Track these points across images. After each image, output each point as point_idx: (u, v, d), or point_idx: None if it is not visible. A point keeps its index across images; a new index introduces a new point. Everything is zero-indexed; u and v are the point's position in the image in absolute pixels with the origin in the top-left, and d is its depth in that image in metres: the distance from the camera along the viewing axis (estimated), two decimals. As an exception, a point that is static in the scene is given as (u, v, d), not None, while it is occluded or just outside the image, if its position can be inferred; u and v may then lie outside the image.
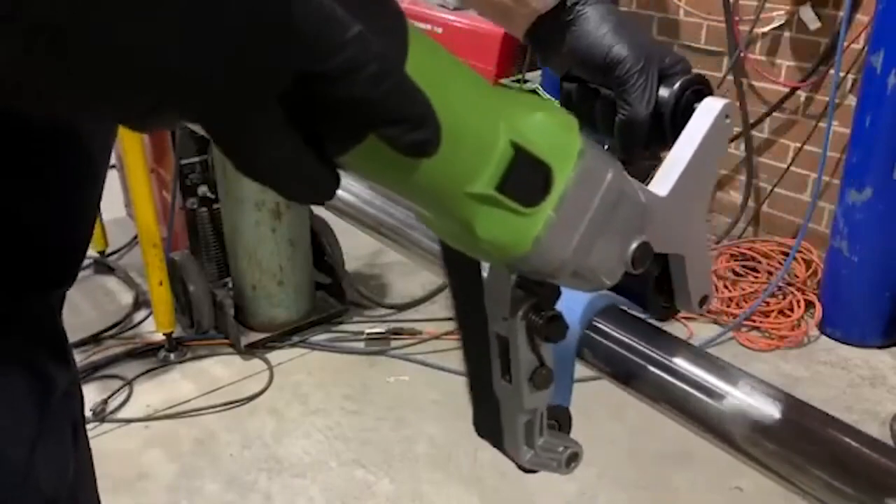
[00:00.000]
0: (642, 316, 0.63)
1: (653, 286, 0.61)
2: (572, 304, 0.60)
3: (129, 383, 2.55)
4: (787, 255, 2.99)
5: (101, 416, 2.40)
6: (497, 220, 0.41)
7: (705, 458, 2.17)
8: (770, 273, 3.04)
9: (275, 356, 2.70)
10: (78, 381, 0.67)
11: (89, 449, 0.74)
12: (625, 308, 0.63)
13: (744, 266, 3.12)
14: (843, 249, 2.71)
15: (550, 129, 0.42)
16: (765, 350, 2.76)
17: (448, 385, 2.56)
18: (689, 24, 3.38)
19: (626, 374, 0.61)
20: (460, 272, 0.53)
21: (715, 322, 2.91)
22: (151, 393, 2.53)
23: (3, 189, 0.53)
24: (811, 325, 2.83)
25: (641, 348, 0.60)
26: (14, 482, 0.55)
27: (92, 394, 2.50)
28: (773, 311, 2.88)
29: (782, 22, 3.07)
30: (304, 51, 0.31)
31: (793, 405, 0.54)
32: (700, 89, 0.61)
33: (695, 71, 0.66)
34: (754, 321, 2.85)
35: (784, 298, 2.92)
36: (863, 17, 2.80)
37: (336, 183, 0.36)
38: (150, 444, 2.32)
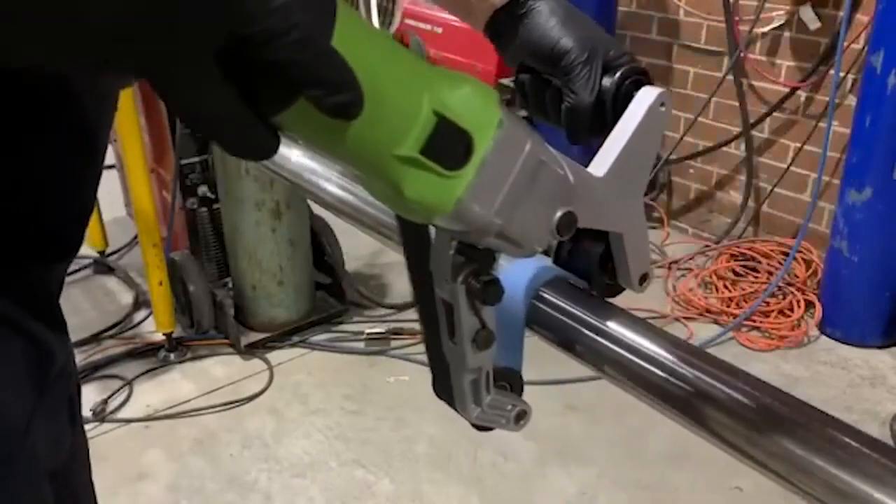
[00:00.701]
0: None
1: (597, 264, 0.65)
2: (520, 275, 0.65)
3: (129, 383, 2.55)
4: (787, 255, 2.99)
5: (101, 416, 2.40)
6: (422, 181, 0.46)
7: (705, 458, 2.17)
8: (770, 273, 3.04)
9: (275, 356, 2.70)
10: (74, 363, 0.68)
11: (85, 436, 0.75)
12: (571, 281, 0.67)
13: (744, 266, 3.12)
14: (843, 249, 2.71)
15: (471, 101, 0.46)
16: (765, 350, 2.76)
17: (448, 385, 2.55)
18: (689, 24, 3.38)
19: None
20: (412, 242, 0.59)
21: (715, 322, 2.91)
22: (151, 393, 2.53)
23: (2, 151, 0.54)
24: (811, 325, 2.83)
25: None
26: (14, 441, 0.56)
27: (92, 394, 2.50)
28: (773, 311, 2.88)
29: (782, 22, 3.07)
30: (234, 14, 0.35)
31: (781, 398, 0.54)
32: (640, 79, 0.64)
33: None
34: (754, 321, 2.85)
35: (784, 298, 2.92)
36: (863, 17, 2.80)
37: (274, 141, 0.40)
38: (150, 444, 2.32)
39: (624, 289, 0.67)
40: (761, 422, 0.54)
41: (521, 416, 0.64)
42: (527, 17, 0.66)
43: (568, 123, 0.65)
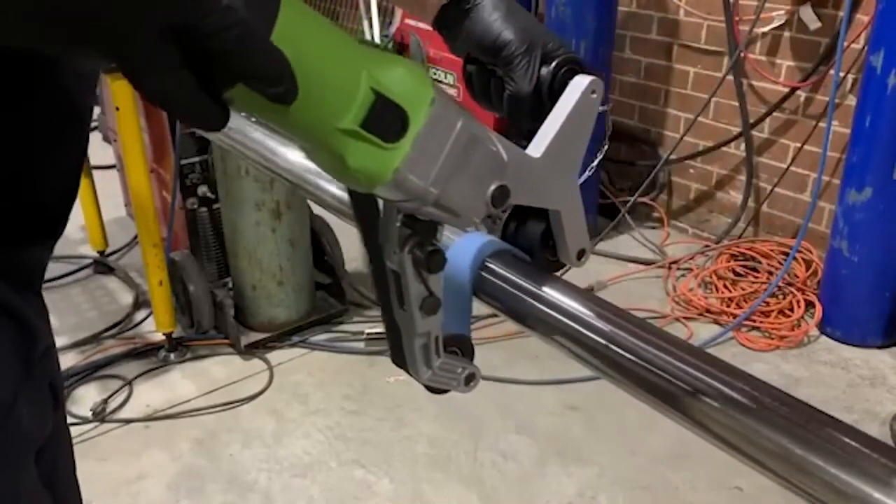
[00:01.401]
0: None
1: (538, 241, 0.71)
2: (468, 247, 0.71)
3: (129, 383, 2.55)
4: (787, 255, 2.99)
5: (101, 416, 2.40)
6: (363, 152, 0.51)
7: (705, 458, 2.18)
8: (770, 273, 3.04)
9: (275, 356, 2.70)
10: (54, 346, 0.71)
11: (68, 430, 0.78)
12: (515, 254, 0.72)
13: (744, 266, 3.12)
14: (843, 249, 2.71)
15: (406, 81, 0.51)
16: (765, 350, 2.76)
17: (448, 385, 2.55)
18: (689, 24, 3.38)
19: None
20: (364, 216, 0.64)
21: (715, 322, 2.91)
22: (151, 393, 2.53)
23: None
24: (811, 325, 2.83)
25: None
26: (0, 413, 0.58)
27: (92, 394, 2.51)
28: (773, 311, 2.88)
29: (782, 22, 3.07)
30: (188, 7, 0.40)
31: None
32: (574, 68, 0.69)
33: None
34: (754, 321, 2.85)
35: (784, 298, 2.92)
36: (863, 17, 2.80)
37: (224, 116, 0.46)
38: (150, 444, 2.32)
39: (565, 265, 0.72)
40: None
41: (471, 379, 0.70)
42: (472, 11, 0.71)
43: (509, 110, 0.70)
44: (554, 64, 0.68)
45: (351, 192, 0.63)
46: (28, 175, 0.63)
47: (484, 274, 0.70)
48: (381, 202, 0.61)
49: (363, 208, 0.63)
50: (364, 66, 0.50)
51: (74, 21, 0.39)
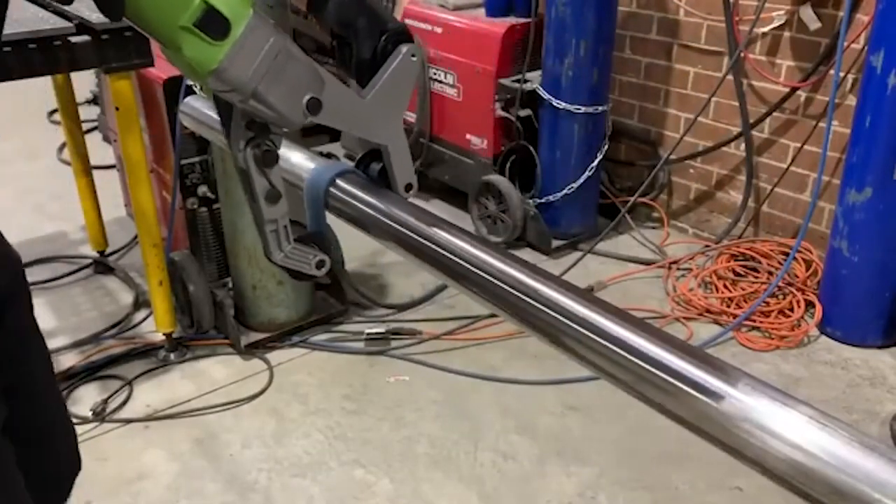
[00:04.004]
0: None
1: (377, 175, 0.94)
2: (325, 169, 0.96)
3: (129, 383, 2.55)
4: (787, 255, 2.99)
5: (101, 416, 2.40)
6: (196, 45, 0.73)
7: (705, 458, 2.18)
8: (770, 273, 3.04)
9: (275, 356, 2.70)
10: (23, 286, 0.84)
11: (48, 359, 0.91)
12: (360, 176, 0.96)
13: (744, 266, 3.12)
14: (843, 249, 2.71)
15: (231, 1, 0.73)
16: (765, 350, 2.76)
17: (448, 385, 2.56)
18: (689, 24, 3.38)
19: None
20: (227, 128, 0.85)
21: (715, 322, 2.91)
22: (151, 393, 2.53)
23: None
24: (811, 325, 2.83)
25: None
26: None
27: (92, 394, 2.51)
28: (773, 311, 2.88)
29: (782, 22, 3.07)
30: None
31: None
32: (401, 39, 0.88)
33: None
34: (754, 321, 2.85)
35: (784, 298, 2.92)
36: (863, 17, 2.80)
37: (119, 7, 0.67)
38: (150, 444, 2.32)
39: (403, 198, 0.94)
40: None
41: (321, 265, 0.92)
42: None
43: (356, 72, 0.90)
44: (384, 36, 0.88)
45: (218, 109, 0.84)
46: None
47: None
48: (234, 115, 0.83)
49: (225, 120, 0.84)
50: None
51: None
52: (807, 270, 3.02)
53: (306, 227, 0.94)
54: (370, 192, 0.92)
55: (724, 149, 3.41)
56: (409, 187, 0.94)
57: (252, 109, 0.79)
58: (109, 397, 2.47)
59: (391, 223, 0.87)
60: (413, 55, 0.88)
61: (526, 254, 3.39)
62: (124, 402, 2.48)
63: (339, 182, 0.94)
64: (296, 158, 1.00)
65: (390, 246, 0.88)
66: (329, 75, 0.83)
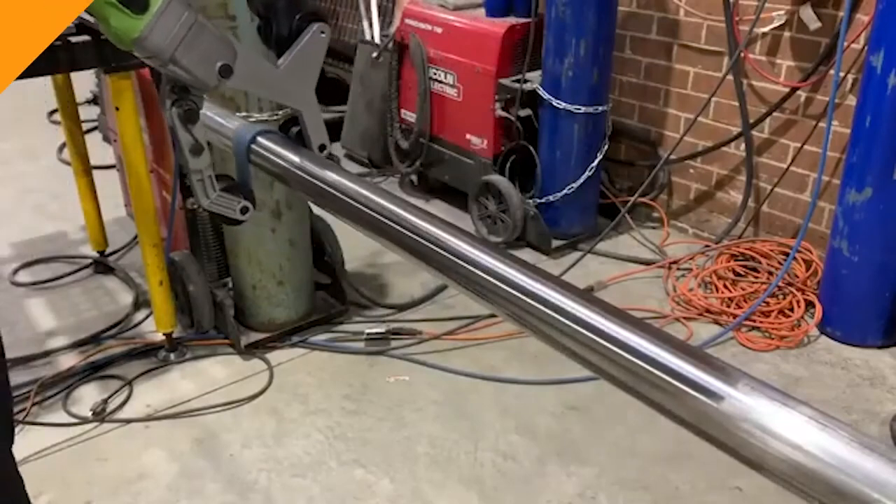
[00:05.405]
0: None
1: (295, 136, 1.12)
2: (250, 128, 1.11)
3: (129, 383, 2.55)
4: (787, 255, 2.99)
5: (101, 416, 2.40)
6: (119, 18, 0.88)
7: (705, 458, 2.18)
8: (770, 273, 3.04)
9: (275, 356, 2.70)
10: None
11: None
12: (280, 135, 1.12)
13: (744, 266, 3.12)
14: (843, 249, 2.71)
15: None
16: (765, 350, 2.76)
17: (448, 385, 2.56)
18: (689, 24, 3.38)
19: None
20: (158, 87, 1.07)
21: (715, 322, 2.91)
22: (151, 393, 2.53)
23: None
24: (811, 325, 2.83)
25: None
26: None
27: (92, 394, 2.51)
28: (773, 311, 2.88)
29: (782, 22, 3.07)
30: None
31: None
32: (315, 17, 1.05)
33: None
34: (754, 321, 2.85)
35: (784, 298, 2.92)
36: (863, 17, 2.80)
37: None
38: (150, 444, 2.32)
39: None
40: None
41: (245, 210, 1.11)
42: None
43: (275, 47, 1.06)
44: (299, 16, 1.04)
45: (152, 75, 1.03)
46: None
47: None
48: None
49: (157, 84, 1.00)
50: None
51: None
52: (807, 270, 3.02)
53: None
54: (287, 148, 1.06)
55: (724, 149, 3.41)
56: (322, 147, 1.10)
57: (172, 73, 0.94)
58: (109, 397, 2.47)
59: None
60: (322, 32, 1.05)
61: (526, 254, 3.39)
62: (124, 402, 2.48)
63: (261, 139, 1.09)
64: (228, 122, 1.15)
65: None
66: (243, 47, 0.97)
